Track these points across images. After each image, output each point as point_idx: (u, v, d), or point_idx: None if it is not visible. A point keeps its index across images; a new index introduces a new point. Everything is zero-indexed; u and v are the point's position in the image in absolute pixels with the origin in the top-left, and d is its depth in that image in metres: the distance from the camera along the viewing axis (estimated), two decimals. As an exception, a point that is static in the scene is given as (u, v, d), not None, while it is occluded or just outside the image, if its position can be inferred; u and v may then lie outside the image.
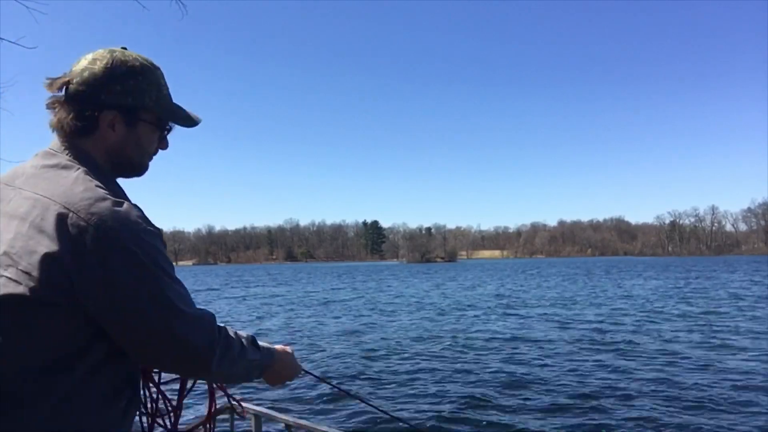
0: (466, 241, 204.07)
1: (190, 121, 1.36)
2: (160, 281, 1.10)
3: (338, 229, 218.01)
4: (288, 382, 1.52)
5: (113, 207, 1.09)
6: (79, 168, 1.16)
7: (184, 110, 1.34)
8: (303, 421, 2.77)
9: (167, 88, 1.31)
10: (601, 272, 55.95)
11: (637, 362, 10.15)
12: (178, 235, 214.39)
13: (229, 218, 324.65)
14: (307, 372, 1.61)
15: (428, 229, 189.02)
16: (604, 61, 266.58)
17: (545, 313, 18.87)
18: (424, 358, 11.23)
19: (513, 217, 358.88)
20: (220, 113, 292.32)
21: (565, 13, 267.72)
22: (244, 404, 3.33)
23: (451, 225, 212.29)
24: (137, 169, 1.32)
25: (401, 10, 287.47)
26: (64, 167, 1.15)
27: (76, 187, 1.11)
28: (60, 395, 1.06)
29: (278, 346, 1.47)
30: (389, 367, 10.31)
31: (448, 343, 12.98)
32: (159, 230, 1.16)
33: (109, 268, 1.05)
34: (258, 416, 2.92)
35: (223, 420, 3.19)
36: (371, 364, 10.65)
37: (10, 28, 4.83)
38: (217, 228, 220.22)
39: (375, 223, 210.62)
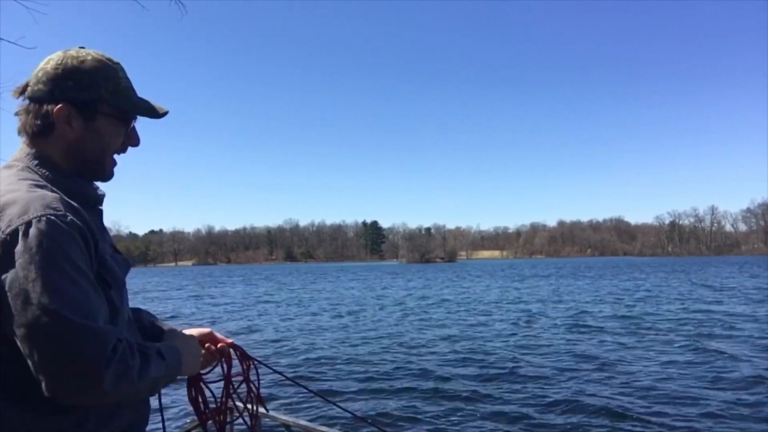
0: (466, 241, 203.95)
1: (153, 113, 1.33)
2: (45, 277, 0.99)
3: (338, 230, 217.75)
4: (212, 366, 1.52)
5: (19, 195, 1.06)
6: (18, 166, 1.17)
7: (147, 102, 1.33)
8: (302, 422, 2.77)
9: (128, 82, 1.30)
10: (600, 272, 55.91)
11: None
12: (178, 236, 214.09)
13: (228, 218, 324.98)
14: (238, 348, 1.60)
15: (428, 230, 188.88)
16: (604, 61, 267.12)
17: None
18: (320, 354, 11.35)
19: (513, 218, 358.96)
20: (220, 113, 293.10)
21: (565, 13, 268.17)
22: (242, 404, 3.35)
23: (450, 225, 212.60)
24: (97, 167, 1.28)
25: (401, 10, 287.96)
26: (8, 167, 1.18)
27: (4, 182, 1.12)
28: (21, 391, 1.03)
29: (192, 331, 1.41)
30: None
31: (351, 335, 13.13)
32: (71, 222, 1.07)
33: (1, 256, 1.01)
34: (257, 416, 3.09)
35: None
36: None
37: (10, 28, 4.84)
38: (217, 228, 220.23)
39: (375, 223, 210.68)
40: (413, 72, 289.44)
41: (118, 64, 1.29)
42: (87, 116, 1.23)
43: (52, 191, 1.13)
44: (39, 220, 1.03)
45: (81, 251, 1.07)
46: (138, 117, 1.33)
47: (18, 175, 1.14)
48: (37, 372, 1.01)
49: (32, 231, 1.01)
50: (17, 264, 0.99)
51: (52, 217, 1.04)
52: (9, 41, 4.55)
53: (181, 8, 4.88)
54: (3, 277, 1.00)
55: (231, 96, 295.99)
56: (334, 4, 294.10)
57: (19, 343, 1.01)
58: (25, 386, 1.04)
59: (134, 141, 1.34)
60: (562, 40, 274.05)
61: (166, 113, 1.35)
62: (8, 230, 1.01)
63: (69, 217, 1.08)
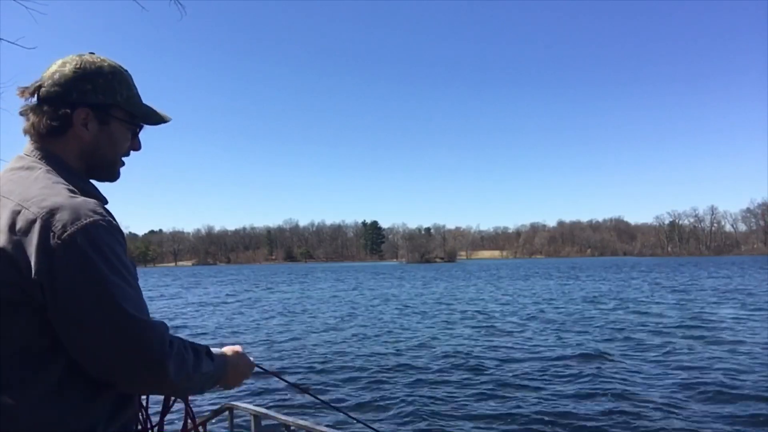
0: (466, 241, 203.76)
1: (160, 120, 1.38)
2: (107, 279, 1.05)
3: (338, 230, 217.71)
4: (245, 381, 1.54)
5: (65, 200, 1.09)
6: (42, 168, 1.18)
7: (153, 110, 1.37)
8: (302, 422, 2.78)
9: (136, 89, 1.34)
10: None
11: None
12: (178, 236, 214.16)
13: (228, 218, 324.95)
14: (260, 368, 1.62)
15: (427, 230, 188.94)
16: (604, 62, 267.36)
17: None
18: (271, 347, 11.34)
19: (512, 218, 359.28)
20: (220, 113, 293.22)
21: (565, 14, 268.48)
22: (243, 404, 3.34)
23: (450, 225, 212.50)
24: (109, 168, 1.33)
25: (401, 11, 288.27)
26: (29, 168, 1.19)
27: (35, 184, 1.13)
28: (37, 393, 1.05)
29: (228, 348, 1.45)
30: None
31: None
32: (116, 226, 1.14)
33: (54, 260, 1.03)
34: (257, 416, 2.93)
35: (223, 420, 3.22)
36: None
37: (10, 28, 4.83)
38: (217, 228, 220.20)
39: (374, 223, 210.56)
40: (413, 72, 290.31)
41: (127, 71, 1.33)
42: (102, 120, 1.26)
43: (99, 198, 1.19)
44: (93, 225, 1.07)
45: (124, 252, 1.14)
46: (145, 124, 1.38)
47: (48, 177, 1.16)
48: (106, 368, 1.08)
49: (89, 236, 1.06)
50: (78, 267, 1.04)
51: (103, 222, 1.09)
52: (9, 41, 4.55)
53: (181, 9, 4.86)
54: (61, 279, 1.03)
55: (231, 96, 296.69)
56: (333, 4, 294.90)
57: (80, 343, 1.06)
58: (58, 385, 1.07)
59: (137, 146, 1.38)
60: (561, 40, 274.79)
61: (169, 120, 1.40)
62: (65, 236, 1.04)
63: (114, 222, 1.14)
